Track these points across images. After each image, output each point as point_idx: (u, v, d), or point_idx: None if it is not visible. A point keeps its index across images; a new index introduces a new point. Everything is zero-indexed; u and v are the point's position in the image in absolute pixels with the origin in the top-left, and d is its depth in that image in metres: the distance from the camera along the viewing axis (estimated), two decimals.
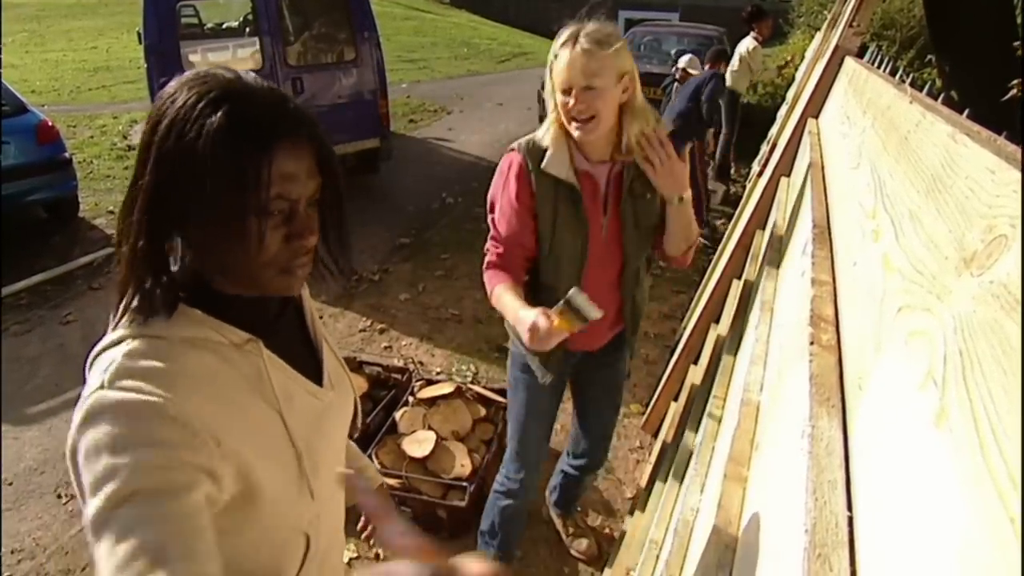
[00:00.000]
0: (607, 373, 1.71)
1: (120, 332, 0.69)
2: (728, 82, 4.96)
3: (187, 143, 0.65)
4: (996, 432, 0.30)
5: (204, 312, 0.72)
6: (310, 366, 0.86)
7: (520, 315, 1.20)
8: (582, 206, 1.38)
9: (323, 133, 0.73)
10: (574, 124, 1.29)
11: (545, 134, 1.36)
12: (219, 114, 0.65)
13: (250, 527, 0.75)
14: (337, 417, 0.91)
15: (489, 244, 1.44)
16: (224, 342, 0.73)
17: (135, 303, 0.69)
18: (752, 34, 4.64)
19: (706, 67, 4.61)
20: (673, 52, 7.10)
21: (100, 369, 0.66)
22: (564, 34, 1.28)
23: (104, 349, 0.69)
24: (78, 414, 0.63)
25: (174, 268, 0.72)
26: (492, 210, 1.44)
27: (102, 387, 0.63)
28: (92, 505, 0.59)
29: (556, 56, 1.29)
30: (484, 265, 1.43)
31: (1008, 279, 0.35)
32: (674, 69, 5.23)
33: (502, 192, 1.40)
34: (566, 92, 1.28)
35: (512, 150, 1.40)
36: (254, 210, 0.67)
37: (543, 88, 1.42)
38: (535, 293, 1.46)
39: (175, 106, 0.67)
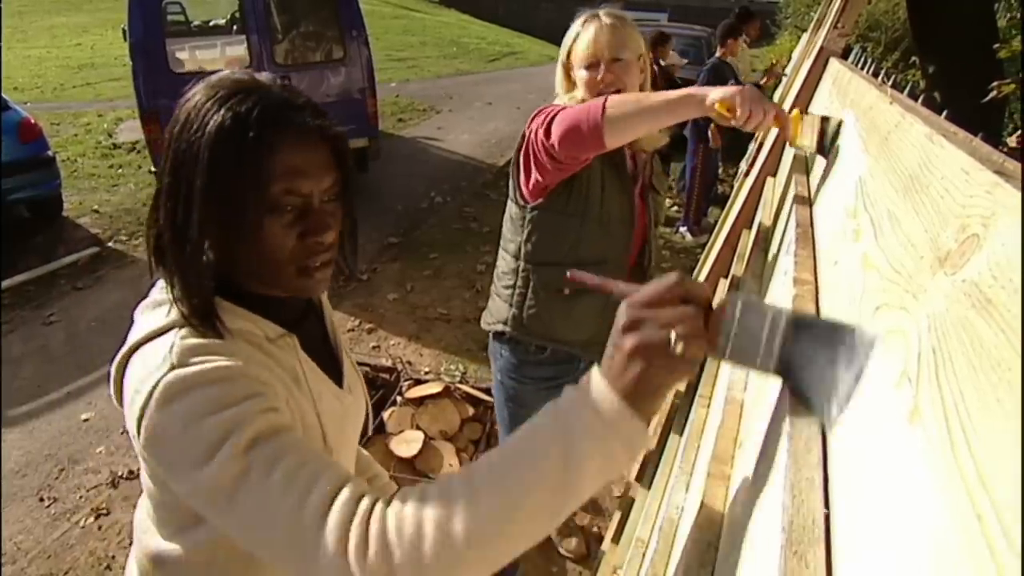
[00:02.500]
0: None
1: (166, 321, 0.69)
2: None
3: (193, 142, 0.66)
4: (966, 430, 0.31)
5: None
6: (331, 369, 0.86)
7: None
8: (625, 168, 1.37)
9: (337, 128, 0.74)
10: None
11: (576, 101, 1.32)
12: (222, 110, 0.66)
13: None
14: (355, 420, 0.91)
15: (550, 114, 1.20)
16: (260, 335, 0.74)
17: (175, 295, 0.70)
18: (741, 37, 4.69)
19: (717, 50, 4.63)
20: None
21: (160, 354, 0.65)
22: (583, 17, 1.30)
23: (149, 339, 0.69)
24: (151, 400, 0.62)
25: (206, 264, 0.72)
26: (540, 114, 1.25)
27: (172, 368, 0.63)
28: (218, 465, 0.59)
29: (577, 35, 1.29)
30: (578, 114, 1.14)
31: (979, 278, 0.36)
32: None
33: (557, 106, 1.24)
34: (592, 67, 1.27)
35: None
36: (262, 206, 0.67)
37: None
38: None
39: (187, 108, 0.68)
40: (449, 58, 15.18)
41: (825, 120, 0.97)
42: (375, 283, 4.09)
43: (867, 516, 0.38)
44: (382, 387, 2.67)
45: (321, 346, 0.88)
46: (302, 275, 0.72)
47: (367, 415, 0.98)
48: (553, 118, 1.17)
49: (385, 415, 2.45)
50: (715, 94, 0.99)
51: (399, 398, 2.57)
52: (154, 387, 0.63)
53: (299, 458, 0.60)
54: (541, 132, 1.20)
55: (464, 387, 2.63)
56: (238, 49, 5.23)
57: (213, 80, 0.70)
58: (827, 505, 0.44)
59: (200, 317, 0.69)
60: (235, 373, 0.65)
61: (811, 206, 1.16)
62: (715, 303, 0.55)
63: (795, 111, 1.02)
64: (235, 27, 5.93)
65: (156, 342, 0.68)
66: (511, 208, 1.47)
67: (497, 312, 1.53)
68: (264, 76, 0.72)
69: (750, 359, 0.53)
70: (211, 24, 8.11)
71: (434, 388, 2.53)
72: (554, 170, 1.25)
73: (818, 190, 1.17)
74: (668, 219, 5.28)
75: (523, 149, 1.32)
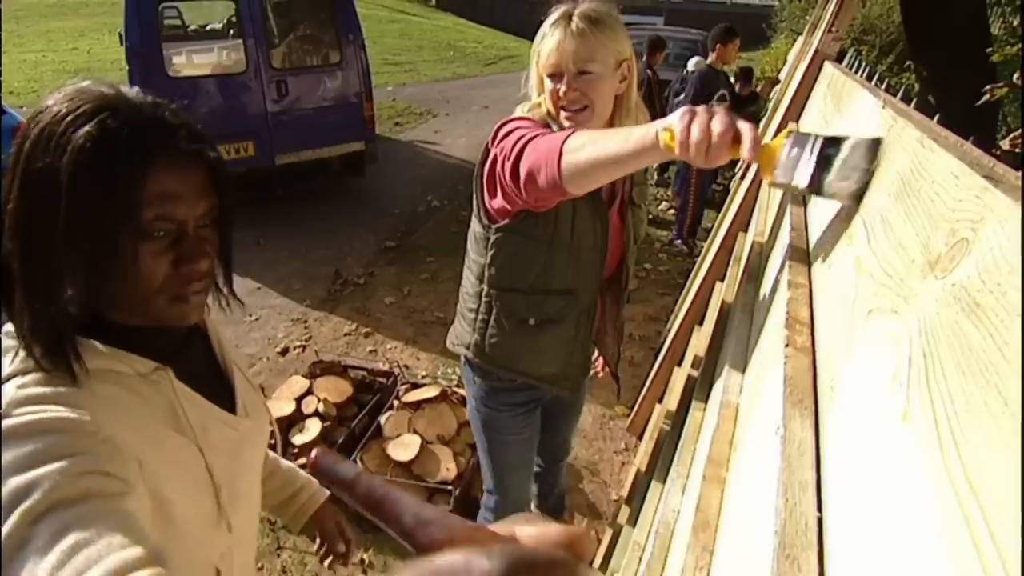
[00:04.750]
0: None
1: (13, 367, 0.61)
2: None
3: (51, 161, 0.59)
4: (955, 433, 0.31)
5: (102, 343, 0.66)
6: (222, 395, 0.81)
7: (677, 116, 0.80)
8: (599, 192, 1.22)
9: (215, 150, 0.68)
10: (563, 114, 1.16)
11: (543, 116, 1.20)
12: (87, 127, 0.59)
13: None
14: (254, 445, 0.87)
15: (518, 142, 1.06)
16: (130, 372, 0.67)
17: (23, 333, 0.62)
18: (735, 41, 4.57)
19: (712, 55, 4.48)
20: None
21: None
22: (557, 12, 1.16)
23: None
24: None
25: (67, 296, 0.65)
26: (509, 136, 1.11)
27: None
28: (4, 532, 0.50)
29: (544, 37, 1.15)
30: (523, 150, 1.04)
31: (969, 282, 0.36)
32: (684, 72, 5.26)
33: (523, 124, 1.13)
34: (554, 77, 1.14)
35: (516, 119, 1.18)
36: (131, 233, 0.62)
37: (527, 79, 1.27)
38: (541, 306, 1.29)
39: (42, 120, 0.61)
40: (446, 62, 15.20)
41: (830, 143, 0.73)
42: (372, 287, 4.09)
43: (859, 519, 0.39)
44: (379, 391, 2.66)
45: (209, 373, 0.83)
46: (176, 303, 0.68)
47: (273, 436, 0.93)
48: (520, 155, 1.04)
49: (382, 419, 2.44)
50: (660, 124, 0.81)
51: (396, 402, 2.56)
52: None
53: (90, 535, 0.51)
54: (508, 170, 1.07)
55: (461, 391, 2.62)
56: (234, 53, 5.23)
57: (73, 91, 0.63)
58: (820, 508, 0.45)
59: (52, 359, 0.61)
60: (72, 426, 0.58)
61: (805, 207, 1.17)
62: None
63: (780, 134, 0.79)
64: (231, 31, 5.93)
65: None
66: (475, 225, 1.33)
67: (461, 335, 1.43)
68: (133, 91, 0.66)
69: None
70: (207, 28, 8.11)
71: (431, 392, 2.53)
72: (524, 205, 1.14)
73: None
74: (664, 222, 5.29)
75: (488, 169, 1.19)
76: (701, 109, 0.77)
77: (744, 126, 0.76)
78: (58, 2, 19.23)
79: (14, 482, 0.52)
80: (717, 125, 0.75)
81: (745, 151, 0.75)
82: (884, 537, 0.35)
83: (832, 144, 0.72)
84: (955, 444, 0.30)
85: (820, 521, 0.43)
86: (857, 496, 0.40)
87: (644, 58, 5.26)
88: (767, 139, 0.81)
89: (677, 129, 0.76)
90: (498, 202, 1.19)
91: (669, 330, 2.93)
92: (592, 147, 0.90)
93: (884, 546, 0.34)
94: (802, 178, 0.73)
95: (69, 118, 0.60)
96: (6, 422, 0.55)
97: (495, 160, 1.13)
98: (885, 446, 0.39)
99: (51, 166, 0.59)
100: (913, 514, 0.33)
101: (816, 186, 0.72)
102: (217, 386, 0.82)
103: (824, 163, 0.72)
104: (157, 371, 0.70)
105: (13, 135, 3.99)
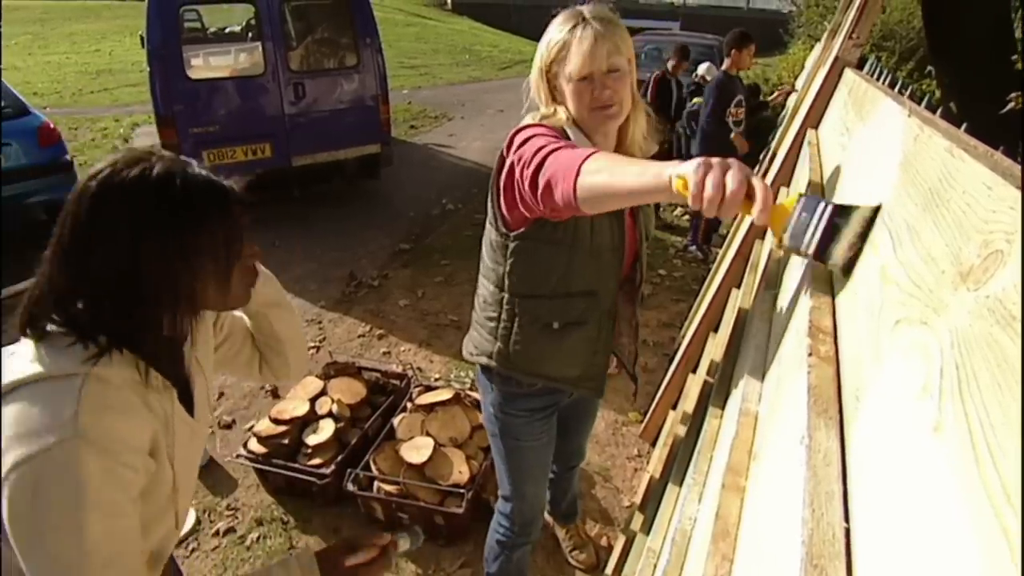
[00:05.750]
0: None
1: (68, 368, 0.75)
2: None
3: (163, 203, 0.75)
4: (991, 445, 0.31)
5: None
6: (185, 395, 0.93)
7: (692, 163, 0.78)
8: None
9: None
10: (600, 112, 1.17)
11: (559, 123, 1.20)
12: (199, 173, 0.80)
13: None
14: (200, 440, 1.00)
15: (539, 151, 1.05)
16: (142, 384, 0.81)
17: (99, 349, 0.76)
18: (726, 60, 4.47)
19: (727, 60, 4.43)
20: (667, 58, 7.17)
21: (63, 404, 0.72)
22: (566, 19, 1.18)
23: (41, 378, 0.74)
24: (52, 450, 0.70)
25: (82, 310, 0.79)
26: (526, 144, 1.11)
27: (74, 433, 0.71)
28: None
29: (563, 43, 1.16)
30: (539, 169, 1.03)
31: (1004, 294, 0.36)
32: (695, 77, 5.24)
33: (540, 132, 1.13)
34: (584, 80, 1.15)
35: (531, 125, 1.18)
36: (238, 259, 0.85)
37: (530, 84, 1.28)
38: (564, 309, 1.30)
39: (126, 174, 0.75)
40: (461, 65, 15.27)
41: (839, 212, 0.74)
42: (386, 289, 4.11)
43: (889, 530, 0.38)
44: (392, 393, 2.67)
45: (177, 372, 0.93)
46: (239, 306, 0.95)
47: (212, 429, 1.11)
48: (540, 166, 1.04)
49: (395, 421, 2.45)
50: (675, 170, 0.80)
51: (409, 404, 2.57)
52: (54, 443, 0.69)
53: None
54: (527, 180, 1.06)
55: (474, 394, 2.63)
56: (252, 56, 5.29)
57: (160, 152, 0.80)
58: (847, 519, 0.44)
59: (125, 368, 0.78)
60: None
61: None
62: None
63: (791, 196, 0.79)
64: (250, 34, 6.00)
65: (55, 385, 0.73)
66: (491, 234, 1.33)
67: (480, 345, 1.42)
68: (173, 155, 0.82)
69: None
70: (227, 31, 8.22)
71: (444, 395, 2.53)
72: (541, 214, 1.13)
73: (832, 197, 1.17)
74: (678, 228, 5.26)
75: (505, 178, 1.19)
76: (716, 162, 0.75)
77: (757, 184, 0.75)
78: (81, 5, 19.57)
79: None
80: (731, 182, 0.74)
81: (756, 213, 0.74)
82: (916, 549, 0.34)
83: (841, 214, 0.74)
84: (991, 456, 0.30)
85: (847, 532, 0.43)
86: (886, 507, 0.40)
87: (671, 66, 5.19)
88: (779, 198, 0.81)
89: (691, 180, 0.75)
90: (518, 212, 1.20)
91: (683, 336, 2.91)
92: (608, 174, 0.90)
93: (916, 558, 0.34)
94: (811, 246, 0.75)
95: (184, 174, 0.77)
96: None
97: (512, 168, 1.14)
98: (915, 457, 0.38)
99: (161, 207, 0.75)
100: (946, 526, 0.33)
101: (823, 256, 0.75)
102: (184, 386, 0.94)
103: (833, 232, 0.74)
104: (167, 387, 0.85)
105: (38, 135, 4.03)
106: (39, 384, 0.72)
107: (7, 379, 0.72)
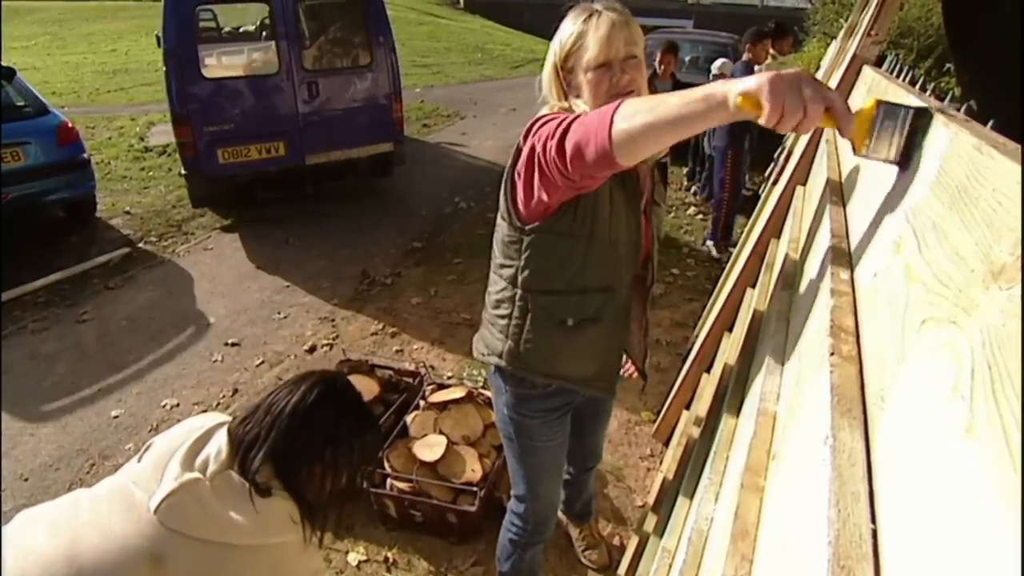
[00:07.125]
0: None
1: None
2: None
3: (361, 425, 1.26)
4: None
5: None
6: None
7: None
8: (635, 184, 1.26)
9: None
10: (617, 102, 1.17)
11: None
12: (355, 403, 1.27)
13: None
14: None
15: (563, 123, 1.04)
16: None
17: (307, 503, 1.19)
18: (767, 41, 4.53)
19: (745, 55, 4.41)
20: (687, 58, 7.15)
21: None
22: (579, 12, 1.19)
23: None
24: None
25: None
26: (546, 124, 1.10)
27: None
28: None
29: (580, 34, 1.17)
30: (566, 132, 1.01)
31: None
32: (710, 76, 5.22)
33: (562, 116, 1.10)
34: (603, 67, 1.15)
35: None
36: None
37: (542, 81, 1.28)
38: (579, 305, 1.28)
39: (333, 395, 1.22)
40: (474, 64, 15.27)
41: (919, 115, 0.75)
42: (399, 287, 4.12)
43: (919, 532, 0.38)
44: (405, 391, 2.68)
45: None
46: None
47: None
48: (565, 132, 1.02)
49: (408, 419, 2.46)
50: (737, 87, 0.75)
51: (422, 402, 2.58)
52: None
53: None
54: (553, 149, 1.03)
55: (487, 392, 2.63)
56: (267, 55, 5.32)
57: (322, 375, 1.24)
58: (873, 520, 0.44)
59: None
60: None
61: (844, 207, 1.15)
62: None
63: (869, 101, 0.77)
64: (264, 33, 6.04)
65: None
66: (504, 229, 1.31)
67: (491, 344, 1.40)
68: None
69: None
70: (241, 31, 8.28)
71: (457, 393, 2.54)
72: (566, 189, 1.11)
73: (851, 196, 1.16)
74: (691, 228, 5.23)
75: (524, 165, 1.17)
76: (788, 75, 0.72)
77: (835, 96, 0.73)
78: (99, 6, 19.79)
79: None
80: (812, 96, 0.71)
81: (842, 126, 0.75)
82: (948, 551, 0.34)
83: (920, 117, 0.75)
84: None
85: (874, 532, 0.42)
86: (915, 508, 0.39)
87: (746, 54, 5.02)
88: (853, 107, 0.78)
89: (766, 97, 0.71)
90: (536, 199, 1.19)
91: (697, 336, 2.90)
92: (647, 113, 0.87)
93: (948, 560, 0.34)
94: (894, 154, 0.77)
95: (347, 393, 1.26)
96: None
97: (532, 153, 1.13)
98: (946, 458, 0.38)
99: (361, 427, 1.25)
100: (980, 529, 0.32)
101: (906, 162, 0.76)
102: None
103: (912, 137, 0.75)
104: None
105: (56, 134, 4.10)
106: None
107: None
